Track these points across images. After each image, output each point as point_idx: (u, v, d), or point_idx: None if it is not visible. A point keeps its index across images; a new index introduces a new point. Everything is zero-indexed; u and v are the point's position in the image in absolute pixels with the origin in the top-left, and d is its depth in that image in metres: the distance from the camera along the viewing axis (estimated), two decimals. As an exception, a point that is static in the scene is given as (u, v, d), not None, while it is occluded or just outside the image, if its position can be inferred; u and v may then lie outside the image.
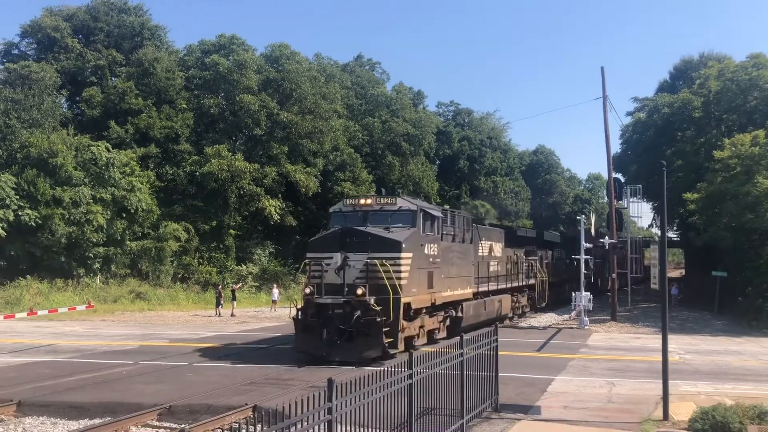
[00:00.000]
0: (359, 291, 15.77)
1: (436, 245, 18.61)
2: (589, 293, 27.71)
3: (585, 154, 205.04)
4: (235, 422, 10.52)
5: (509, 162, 74.01)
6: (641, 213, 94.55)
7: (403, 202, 17.95)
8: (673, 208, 36.34)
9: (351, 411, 6.76)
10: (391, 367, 7.91)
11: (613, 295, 31.01)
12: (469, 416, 10.10)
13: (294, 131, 46.04)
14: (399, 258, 16.32)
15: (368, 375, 7.25)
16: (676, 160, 37.00)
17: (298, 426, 5.75)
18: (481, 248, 23.98)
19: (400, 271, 16.25)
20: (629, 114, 47.89)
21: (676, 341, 20.84)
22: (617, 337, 24.20)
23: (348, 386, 6.71)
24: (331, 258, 16.47)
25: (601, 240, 30.84)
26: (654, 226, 53.07)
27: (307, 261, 17.60)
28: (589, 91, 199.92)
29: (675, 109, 39.79)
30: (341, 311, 15.86)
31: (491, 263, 25.22)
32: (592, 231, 31.49)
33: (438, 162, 67.00)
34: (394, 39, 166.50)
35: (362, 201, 18.22)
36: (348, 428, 6.77)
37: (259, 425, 5.52)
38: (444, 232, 19.56)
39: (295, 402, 5.80)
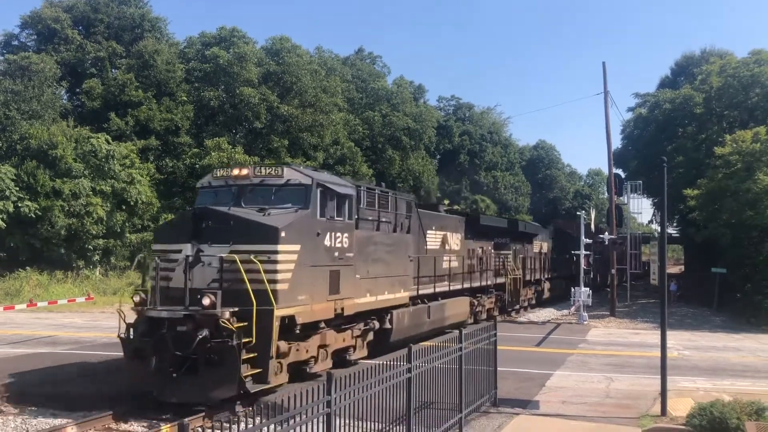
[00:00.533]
0: (206, 301, 10.86)
1: (346, 234, 13.86)
2: (588, 289, 27.74)
3: (585, 150, 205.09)
4: (234, 415, 10.55)
5: (510, 157, 74.06)
6: (641, 209, 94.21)
7: (292, 174, 13.12)
8: (673, 204, 36.31)
9: (350, 404, 6.78)
10: (391, 361, 7.93)
11: (612, 291, 31.04)
12: (467, 410, 10.12)
13: (294, 124, 46.01)
14: (275, 252, 11.51)
15: (367, 369, 7.26)
16: (677, 156, 36.96)
17: (297, 418, 5.76)
18: (428, 240, 19.66)
19: (275, 271, 11.43)
20: (630, 110, 47.85)
21: (674, 337, 20.88)
22: (616, 332, 24.24)
23: (347, 380, 6.73)
24: (180, 251, 11.74)
25: (601, 236, 30.85)
26: (654, 222, 53.06)
27: (146, 255, 13.36)
28: (591, 87, 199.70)
29: (676, 104, 39.73)
30: (184, 329, 10.93)
31: (444, 258, 20.84)
32: (592, 226, 31.49)
33: (438, 156, 67.07)
34: (395, 33, 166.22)
35: (235, 172, 13.42)
36: (347, 421, 6.79)
37: (258, 417, 5.53)
38: (362, 217, 14.90)
39: (294, 395, 5.82)
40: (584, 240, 27.70)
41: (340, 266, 13.62)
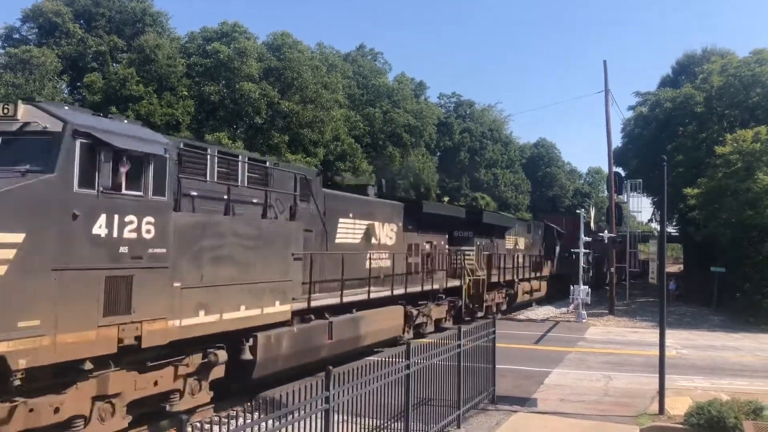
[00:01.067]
0: None
1: (150, 219, 9.17)
2: (587, 287, 27.77)
3: (586, 148, 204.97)
4: (233, 410, 10.58)
5: (510, 155, 74.07)
6: (641, 207, 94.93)
7: (33, 114, 8.39)
8: (672, 203, 36.31)
9: (348, 400, 6.80)
10: (389, 358, 7.95)
11: (611, 289, 31.09)
12: (465, 407, 10.16)
13: (295, 120, 45.99)
14: None
15: (366, 365, 7.28)
16: (677, 155, 36.94)
17: (296, 414, 5.78)
18: (340, 231, 15.56)
19: None
20: (631, 108, 47.77)
21: (673, 336, 20.92)
22: (615, 331, 24.30)
23: (346, 376, 6.74)
24: None
25: (601, 234, 30.90)
26: (654, 220, 53.19)
27: None
28: (591, 85, 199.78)
29: (677, 103, 39.68)
30: None
31: (366, 256, 16.33)
32: (592, 224, 31.53)
33: (439, 154, 67.06)
34: (397, 29, 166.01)
35: None
36: (345, 417, 6.81)
37: (257, 413, 5.55)
38: (201, 194, 10.64)
39: (293, 391, 5.83)
40: (584, 238, 27.74)
41: (135, 269, 8.90)
